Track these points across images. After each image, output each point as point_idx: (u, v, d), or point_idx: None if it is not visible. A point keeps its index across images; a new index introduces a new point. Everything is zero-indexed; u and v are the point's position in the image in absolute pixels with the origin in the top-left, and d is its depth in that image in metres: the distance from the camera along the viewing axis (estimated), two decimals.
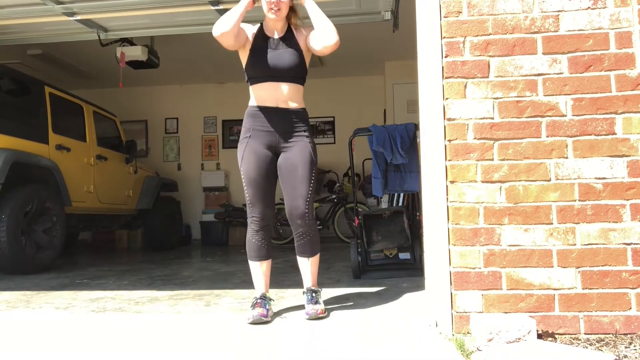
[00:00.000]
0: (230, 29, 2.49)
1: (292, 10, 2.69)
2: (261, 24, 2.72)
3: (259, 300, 2.60)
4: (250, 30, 2.68)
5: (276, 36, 2.67)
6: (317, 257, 2.76)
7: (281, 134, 2.61)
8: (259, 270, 2.70)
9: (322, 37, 2.53)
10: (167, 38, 5.91)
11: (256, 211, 2.65)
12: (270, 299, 2.67)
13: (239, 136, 2.69)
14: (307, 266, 2.74)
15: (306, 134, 2.66)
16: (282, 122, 2.61)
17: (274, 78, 2.59)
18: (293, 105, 2.64)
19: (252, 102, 2.68)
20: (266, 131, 2.61)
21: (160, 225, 7.17)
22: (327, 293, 3.22)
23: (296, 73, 2.63)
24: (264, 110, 2.62)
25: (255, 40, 2.65)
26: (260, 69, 2.61)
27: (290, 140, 2.62)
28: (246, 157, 2.63)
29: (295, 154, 2.61)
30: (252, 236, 2.69)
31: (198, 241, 8.59)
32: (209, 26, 4.72)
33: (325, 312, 2.63)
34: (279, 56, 2.61)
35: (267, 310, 2.56)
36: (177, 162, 9.31)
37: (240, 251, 7.13)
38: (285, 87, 2.61)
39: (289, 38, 2.67)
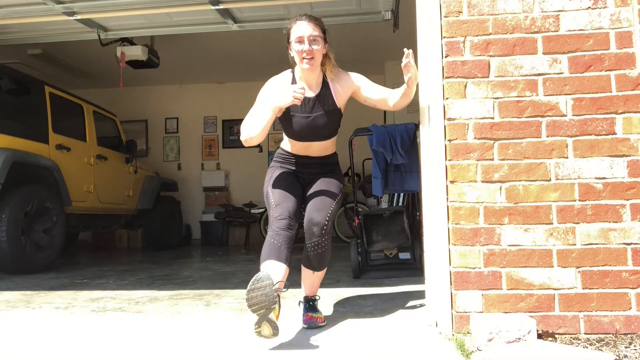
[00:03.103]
0: (260, 140, 2.40)
1: (326, 56, 2.47)
2: (292, 74, 2.51)
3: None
4: (281, 84, 2.47)
5: (311, 94, 2.45)
6: (323, 272, 2.53)
7: (311, 173, 2.56)
8: (274, 272, 2.14)
9: (401, 103, 2.44)
10: (167, 38, 5.92)
11: (279, 210, 2.35)
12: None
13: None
14: (310, 278, 2.52)
15: (335, 173, 2.59)
16: (313, 166, 2.56)
17: (309, 139, 2.49)
18: (326, 153, 2.58)
19: (285, 146, 2.59)
20: (297, 170, 2.56)
21: (160, 225, 7.17)
22: (327, 293, 3.22)
23: (332, 131, 2.52)
24: (297, 157, 2.56)
25: None
26: (295, 133, 2.48)
27: (318, 175, 2.55)
28: (274, 173, 2.54)
29: (323, 181, 2.52)
30: (271, 237, 2.29)
31: (198, 241, 8.59)
32: (208, 26, 4.77)
33: (324, 321, 2.46)
34: (315, 121, 2.44)
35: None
36: (177, 162, 9.31)
37: (240, 251, 7.13)
38: (320, 145, 2.53)
39: (325, 96, 2.46)
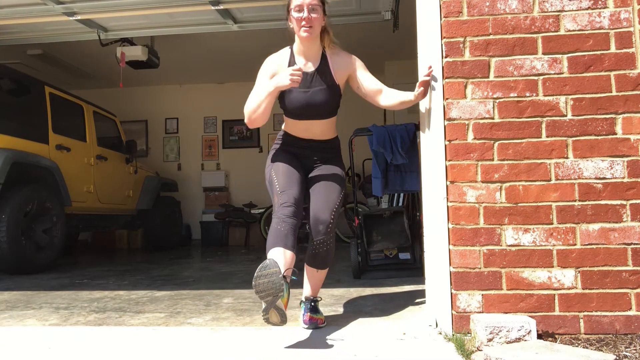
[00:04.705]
0: (264, 121, 2.43)
1: (325, 31, 2.47)
2: (291, 50, 2.50)
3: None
4: (279, 61, 2.48)
5: (310, 68, 2.45)
6: (326, 270, 2.54)
7: (313, 159, 2.56)
8: (282, 259, 2.16)
9: (395, 106, 2.44)
10: (167, 38, 5.92)
11: (286, 197, 2.35)
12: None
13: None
14: (314, 277, 2.52)
15: (337, 160, 2.60)
16: (314, 150, 2.56)
17: (308, 117, 2.48)
18: (326, 136, 2.57)
19: (286, 129, 2.59)
20: (299, 154, 2.56)
21: (160, 225, 7.17)
22: (327, 293, 3.22)
23: (332, 109, 2.51)
24: (298, 140, 2.56)
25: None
26: (294, 109, 2.47)
27: (321, 163, 2.56)
28: (277, 157, 2.53)
29: (326, 172, 2.52)
30: (277, 224, 2.28)
31: (198, 241, 8.59)
32: (209, 26, 4.78)
33: (324, 323, 2.46)
34: (314, 96, 2.43)
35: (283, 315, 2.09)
36: (177, 162, 9.32)
37: (240, 251, 7.13)
38: (319, 124, 2.52)
39: (323, 71, 2.46)
